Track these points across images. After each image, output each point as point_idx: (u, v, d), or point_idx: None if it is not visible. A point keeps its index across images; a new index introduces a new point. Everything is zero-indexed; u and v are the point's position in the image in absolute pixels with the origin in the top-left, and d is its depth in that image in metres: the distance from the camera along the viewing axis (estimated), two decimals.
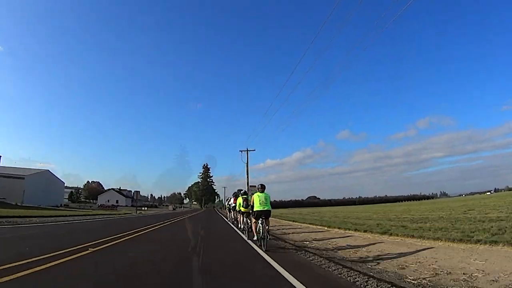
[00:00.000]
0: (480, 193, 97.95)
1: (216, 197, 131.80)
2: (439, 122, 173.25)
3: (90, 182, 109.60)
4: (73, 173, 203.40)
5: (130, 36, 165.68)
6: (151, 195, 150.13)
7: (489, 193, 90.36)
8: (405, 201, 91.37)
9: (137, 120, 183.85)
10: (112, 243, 7.59)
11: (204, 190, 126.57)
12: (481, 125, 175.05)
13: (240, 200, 11.95)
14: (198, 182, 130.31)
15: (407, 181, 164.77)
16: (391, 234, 10.08)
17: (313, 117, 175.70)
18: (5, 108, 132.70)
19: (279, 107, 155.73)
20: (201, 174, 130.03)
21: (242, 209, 11.36)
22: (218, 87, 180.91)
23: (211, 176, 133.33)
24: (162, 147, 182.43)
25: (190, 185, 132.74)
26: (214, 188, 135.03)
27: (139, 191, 76.89)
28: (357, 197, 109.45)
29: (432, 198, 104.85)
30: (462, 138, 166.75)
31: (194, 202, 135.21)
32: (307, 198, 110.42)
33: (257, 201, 7.82)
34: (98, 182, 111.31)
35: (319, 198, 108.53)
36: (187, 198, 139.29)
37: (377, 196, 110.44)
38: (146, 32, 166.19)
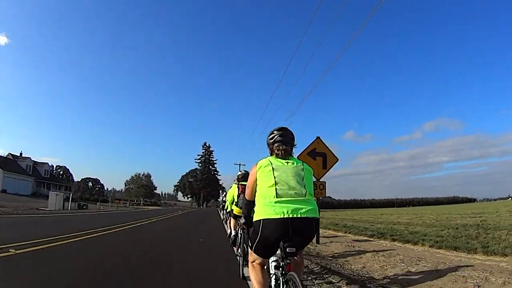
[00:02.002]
0: None
1: (221, 192, 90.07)
2: (448, 125, 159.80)
3: None
4: None
5: (143, 32, 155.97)
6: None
7: None
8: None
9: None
10: None
11: (204, 181, 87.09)
12: (490, 130, 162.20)
13: (233, 191, 5.44)
14: (196, 169, 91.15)
15: (412, 185, 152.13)
16: None
17: (316, 117, 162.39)
18: None
19: (281, 104, 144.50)
20: (199, 157, 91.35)
21: (235, 209, 5.26)
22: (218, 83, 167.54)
23: (215, 162, 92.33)
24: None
25: (184, 174, 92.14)
26: (219, 179, 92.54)
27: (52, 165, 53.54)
28: (371, 198, 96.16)
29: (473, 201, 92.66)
30: (470, 143, 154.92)
31: (188, 198, 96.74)
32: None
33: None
34: None
35: (334, 199, 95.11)
36: (178, 192, 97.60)
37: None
38: (163, 28, 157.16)
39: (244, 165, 53.37)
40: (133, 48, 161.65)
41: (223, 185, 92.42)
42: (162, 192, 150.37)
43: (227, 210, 7.69)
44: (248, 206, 2.51)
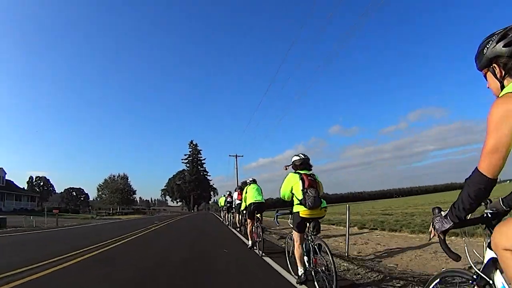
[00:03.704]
0: None
1: (212, 193, 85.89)
2: (432, 114, 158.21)
3: None
4: None
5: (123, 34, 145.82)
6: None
7: None
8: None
9: None
10: None
11: (193, 183, 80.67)
12: (474, 115, 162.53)
13: (291, 182, 3.76)
14: (183, 170, 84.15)
15: (402, 175, 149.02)
16: None
17: (303, 113, 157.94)
18: None
19: (269, 103, 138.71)
20: (186, 157, 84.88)
21: (303, 210, 3.73)
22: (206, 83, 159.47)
23: (203, 160, 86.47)
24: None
25: (171, 177, 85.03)
26: (209, 179, 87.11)
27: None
28: (361, 191, 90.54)
29: None
30: (455, 130, 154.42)
31: (177, 202, 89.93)
32: None
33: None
34: None
35: (328, 193, 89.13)
36: (166, 197, 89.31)
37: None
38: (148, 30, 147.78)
39: (242, 156, 47.23)
40: (120, 52, 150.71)
41: (214, 186, 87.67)
42: (151, 199, 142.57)
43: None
44: (486, 193, 1.17)
